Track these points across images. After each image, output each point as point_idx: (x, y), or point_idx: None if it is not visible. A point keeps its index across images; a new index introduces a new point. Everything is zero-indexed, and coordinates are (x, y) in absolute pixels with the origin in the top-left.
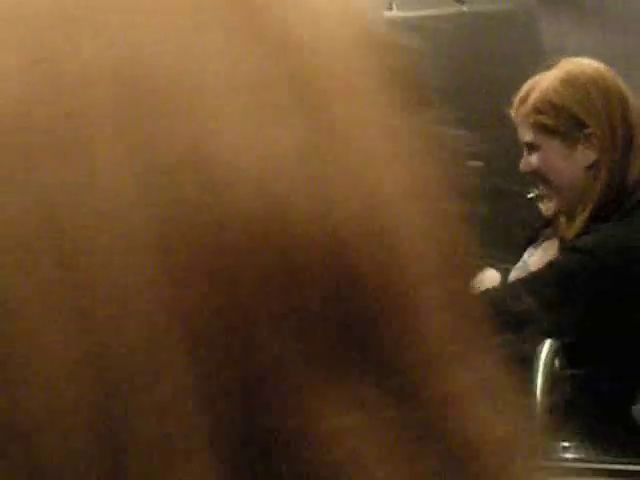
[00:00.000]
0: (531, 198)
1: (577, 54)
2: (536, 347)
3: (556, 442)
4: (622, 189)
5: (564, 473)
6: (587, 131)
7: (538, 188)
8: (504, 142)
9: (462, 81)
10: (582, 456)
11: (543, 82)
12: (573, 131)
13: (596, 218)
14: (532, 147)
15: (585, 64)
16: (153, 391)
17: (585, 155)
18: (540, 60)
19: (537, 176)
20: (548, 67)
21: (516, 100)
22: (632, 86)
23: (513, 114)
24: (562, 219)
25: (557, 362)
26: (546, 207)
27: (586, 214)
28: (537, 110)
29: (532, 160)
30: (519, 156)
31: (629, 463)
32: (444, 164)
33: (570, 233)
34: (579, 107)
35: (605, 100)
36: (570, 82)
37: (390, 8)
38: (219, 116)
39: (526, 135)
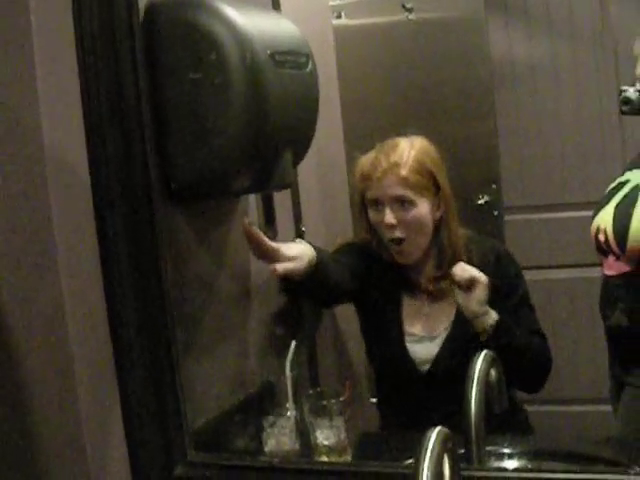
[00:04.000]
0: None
1: (524, 61)
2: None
3: (496, 450)
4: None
5: None
6: (441, 194)
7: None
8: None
9: (409, 88)
10: (523, 464)
11: (409, 151)
12: (434, 193)
13: None
14: (405, 202)
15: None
16: None
17: (437, 212)
18: (487, 68)
19: (405, 226)
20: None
21: (387, 164)
22: (579, 94)
23: (378, 175)
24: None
25: (493, 373)
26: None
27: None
28: (415, 172)
29: (406, 214)
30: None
31: (570, 472)
32: None
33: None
34: (440, 174)
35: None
36: (430, 153)
37: (339, 16)
38: None
39: (401, 192)
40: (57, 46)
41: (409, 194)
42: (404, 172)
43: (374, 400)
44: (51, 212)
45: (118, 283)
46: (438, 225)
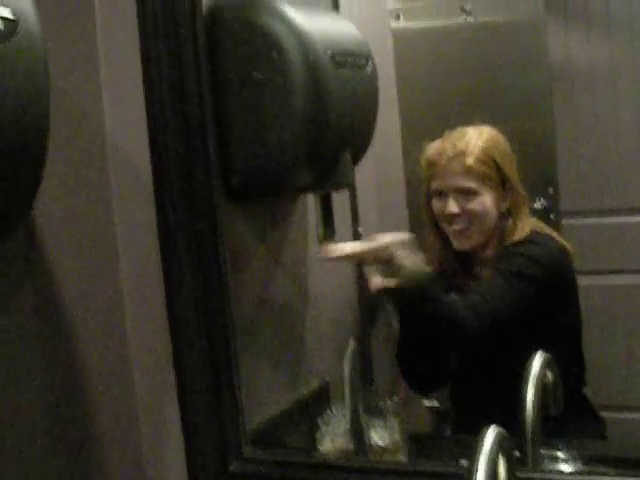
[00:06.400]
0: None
1: (584, 64)
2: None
3: (550, 453)
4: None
5: None
6: (508, 185)
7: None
8: None
9: (466, 91)
10: (578, 468)
11: (476, 140)
12: (500, 184)
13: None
14: (469, 192)
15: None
16: None
17: (504, 203)
18: (546, 71)
19: (468, 217)
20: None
21: (452, 152)
22: (638, 97)
23: (443, 163)
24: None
25: (549, 375)
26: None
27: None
28: (481, 162)
29: (470, 204)
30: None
31: (627, 475)
32: None
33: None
34: (507, 165)
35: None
36: (498, 143)
37: (397, 18)
38: None
39: (465, 182)
40: (121, 40)
41: (473, 184)
42: (469, 161)
43: (426, 403)
44: (112, 207)
45: (178, 279)
46: (502, 217)
